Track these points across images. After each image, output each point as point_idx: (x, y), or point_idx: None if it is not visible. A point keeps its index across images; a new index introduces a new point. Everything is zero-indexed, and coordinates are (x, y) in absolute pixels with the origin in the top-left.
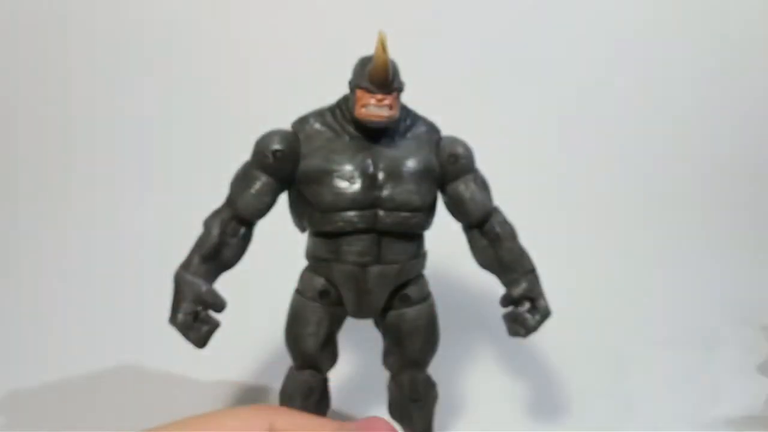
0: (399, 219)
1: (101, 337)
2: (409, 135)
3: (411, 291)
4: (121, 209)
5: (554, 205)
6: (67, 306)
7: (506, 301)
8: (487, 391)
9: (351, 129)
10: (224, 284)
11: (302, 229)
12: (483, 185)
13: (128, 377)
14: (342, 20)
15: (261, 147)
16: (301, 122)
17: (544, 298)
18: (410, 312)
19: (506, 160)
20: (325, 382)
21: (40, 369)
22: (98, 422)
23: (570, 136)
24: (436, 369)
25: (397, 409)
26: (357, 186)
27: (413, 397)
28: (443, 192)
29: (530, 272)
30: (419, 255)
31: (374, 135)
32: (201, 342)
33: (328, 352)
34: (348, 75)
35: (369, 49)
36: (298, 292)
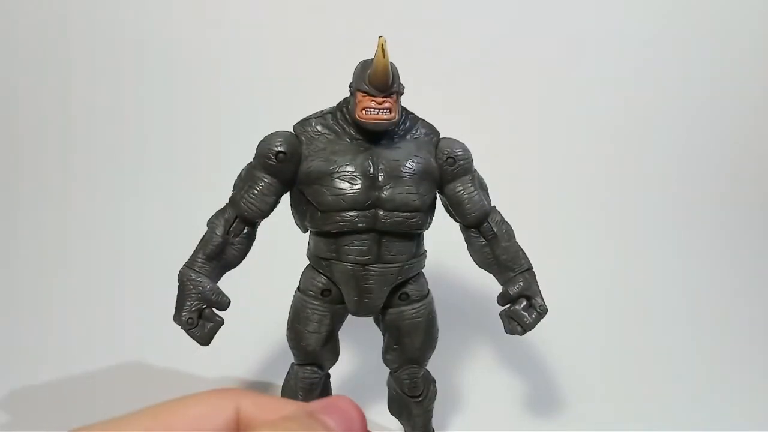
0: (399, 219)
1: (103, 336)
2: (408, 137)
3: (410, 289)
4: (124, 208)
5: (554, 204)
6: (69, 305)
7: (503, 299)
8: (485, 388)
9: (352, 131)
10: (228, 283)
11: (304, 230)
12: (481, 186)
13: (130, 375)
14: (343, 23)
15: (264, 148)
16: (303, 124)
17: (540, 297)
18: (410, 310)
19: (505, 161)
20: (326, 378)
21: (40, 369)
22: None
23: (571, 135)
24: (435, 366)
25: (396, 406)
26: (357, 187)
27: (412, 394)
28: (442, 193)
29: (527, 271)
30: (419, 254)
31: (374, 137)
32: (205, 340)
33: (330, 349)
34: (348, 78)
35: (369, 53)
36: (300, 290)
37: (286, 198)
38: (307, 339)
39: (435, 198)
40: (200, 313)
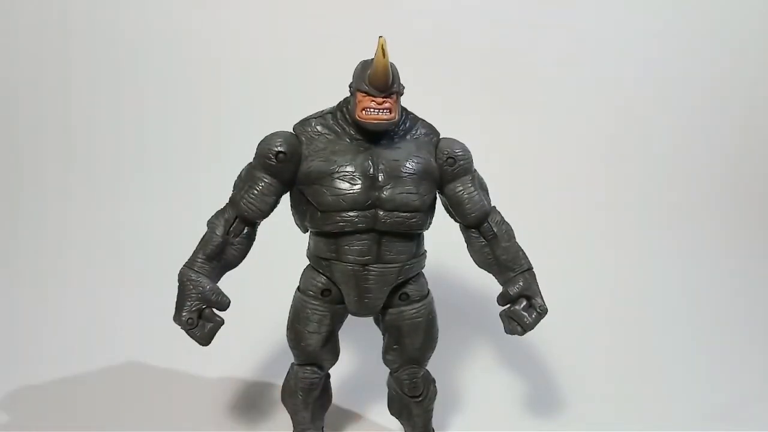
0: (398, 219)
1: (103, 336)
2: (408, 137)
3: (410, 289)
4: (124, 208)
5: (554, 204)
6: (69, 305)
7: (503, 299)
8: (485, 388)
9: (352, 131)
10: (228, 283)
11: (304, 230)
12: (481, 186)
13: (130, 375)
14: (343, 23)
15: (264, 149)
16: (303, 124)
17: (540, 297)
18: (410, 310)
19: (505, 161)
20: (326, 378)
21: (40, 369)
22: (98, 422)
23: (571, 135)
24: (435, 366)
25: (396, 406)
26: (357, 187)
27: (412, 394)
28: (442, 193)
29: (527, 271)
30: (419, 254)
31: (374, 137)
32: (205, 340)
33: (330, 349)
34: (348, 78)
35: (369, 53)
36: (300, 290)
37: (286, 198)
38: (307, 339)
39: (435, 198)
40: (200, 313)
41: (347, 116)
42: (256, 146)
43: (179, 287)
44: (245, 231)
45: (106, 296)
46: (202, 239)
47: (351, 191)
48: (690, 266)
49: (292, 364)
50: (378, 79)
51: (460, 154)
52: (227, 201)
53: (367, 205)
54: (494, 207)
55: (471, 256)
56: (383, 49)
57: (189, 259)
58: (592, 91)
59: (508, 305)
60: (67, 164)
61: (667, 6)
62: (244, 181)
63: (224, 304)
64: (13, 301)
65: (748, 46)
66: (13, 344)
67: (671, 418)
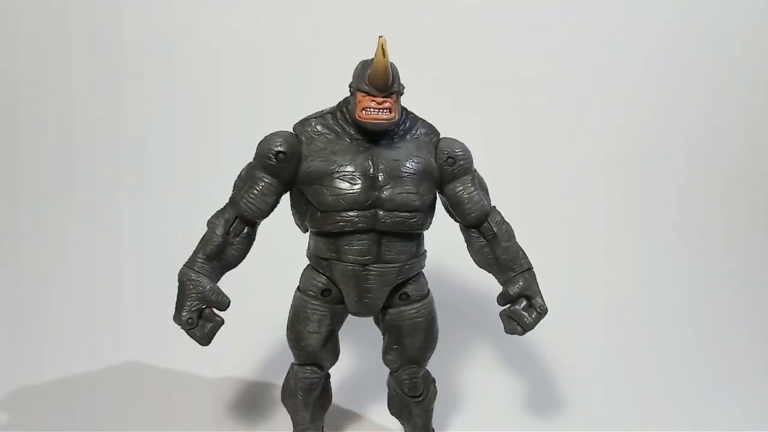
0: (398, 219)
1: (103, 336)
2: (408, 137)
3: (410, 289)
4: (124, 208)
5: (554, 204)
6: (69, 305)
7: (503, 299)
8: (485, 388)
9: (352, 131)
10: (228, 283)
11: (304, 230)
12: (481, 186)
13: (130, 375)
14: (343, 23)
15: (264, 149)
16: (303, 124)
17: (540, 297)
18: (410, 310)
19: (505, 161)
20: (326, 378)
21: (40, 369)
22: (98, 422)
23: (571, 135)
24: (435, 366)
25: (396, 406)
26: (357, 187)
27: (412, 394)
28: (442, 193)
29: (527, 271)
30: (419, 254)
31: (374, 137)
32: (205, 340)
33: (330, 349)
34: (349, 78)
35: (369, 53)
36: (300, 290)
37: (286, 198)
38: (307, 339)
39: (435, 198)
40: (200, 313)
41: (347, 116)
42: (256, 146)
43: (179, 287)
44: (245, 231)
45: (106, 296)
46: (202, 239)
47: (351, 191)
48: (690, 266)
49: (292, 364)
50: (378, 79)
51: (460, 153)
52: (227, 201)
53: (367, 205)
54: (494, 207)
55: (471, 256)
56: (383, 49)
57: (189, 259)
58: (593, 91)
59: (508, 305)
60: (66, 164)
61: (667, 6)
62: (244, 180)
63: (224, 304)
64: (13, 301)
65: (749, 45)
66: (13, 344)
67: (671, 418)
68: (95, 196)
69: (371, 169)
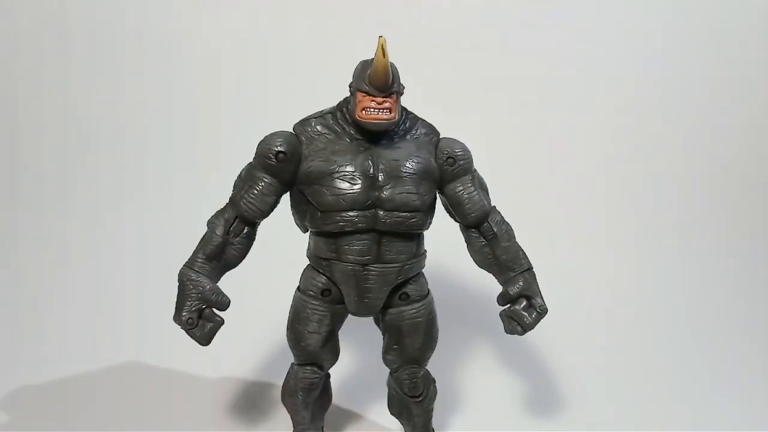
0: (398, 219)
1: (103, 336)
2: (408, 137)
3: (410, 289)
4: (124, 208)
5: (554, 204)
6: (69, 305)
7: (503, 299)
8: (485, 388)
9: (352, 131)
10: (228, 283)
11: (304, 230)
12: (481, 186)
13: (130, 375)
14: (343, 23)
15: (264, 148)
16: (303, 124)
17: (540, 297)
18: (410, 310)
19: (505, 161)
20: (326, 378)
21: (40, 369)
22: (98, 422)
23: (571, 135)
24: (435, 366)
25: (396, 406)
26: (357, 187)
27: (412, 394)
28: (442, 193)
29: (527, 271)
30: (419, 254)
31: (374, 137)
32: (205, 340)
33: (330, 349)
34: (349, 78)
35: (369, 53)
36: (300, 290)
37: (286, 198)
38: (307, 339)
39: (435, 198)
40: (200, 313)
41: (347, 116)
42: (256, 146)
43: (179, 287)
44: (245, 231)
45: (106, 296)
46: (202, 239)
47: (351, 191)
48: (690, 266)
49: (292, 364)
50: (378, 79)
51: (460, 153)
52: (227, 201)
53: (367, 204)
54: (494, 207)
55: (471, 256)
56: (383, 49)
57: (189, 259)
58: (593, 91)
59: (508, 305)
60: (67, 164)
61: (667, 6)
62: (244, 180)
63: (224, 304)
64: (13, 301)
65: (749, 45)
66: (13, 344)
67: (671, 418)
68: (95, 196)
69: (371, 169)
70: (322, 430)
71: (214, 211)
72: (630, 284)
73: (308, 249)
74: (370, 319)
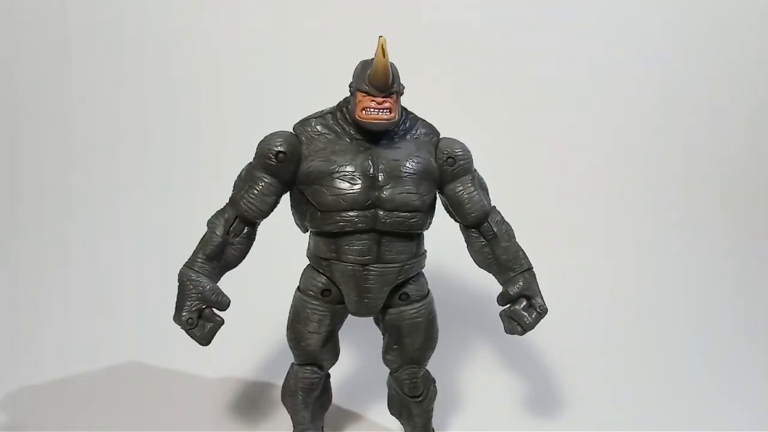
0: (398, 219)
1: (103, 336)
2: (408, 137)
3: (410, 289)
4: (124, 208)
5: (554, 204)
6: (69, 305)
7: (503, 299)
8: (485, 388)
9: (352, 131)
10: (228, 283)
11: (304, 230)
12: (481, 186)
13: (130, 375)
14: (343, 23)
15: (264, 149)
16: (303, 124)
17: (540, 297)
18: (410, 310)
19: (505, 161)
20: (326, 378)
21: (40, 369)
22: (98, 422)
23: (572, 135)
24: (435, 366)
25: (396, 406)
26: (357, 187)
27: (412, 394)
28: (442, 193)
29: (527, 271)
30: (419, 254)
31: (374, 137)
32: (205, 340)
33: (330, 349)
34: (348, 78)
35: (369, 53)
36: (300, 290)
37: (286, 198)
38: (307, 339)
39: (435, 198)
40: (200, 313)
41: (347, 116)
42: (256, 146)
43: (179, 287)
44: (245, 231)
45: (107, 296)
46: (202, 239)
47: (351, 191)
48: (690, 266)
49: (292, 364)
50: (378, 79)
51: (460, 153)
52: (227, 201)
53: (367, 204)
54: (494, 207)
55: (471, 256)
56: (383, 49)
57: (189, 259)
58: (593, 91)
59: (508, 305)
60: (66, 163)
61: (667, 6)
62: (244, 180)
63: (224, 304)
64: (13, 301)
65: (749, 45)
66: (13, 344)
67: (671, 418)
68: (95, 196)
69: (371, 169)
70: (322, 430)
71: (214, 211)
72: (630, 284)
73: (308, 249)
74: (370, 319)
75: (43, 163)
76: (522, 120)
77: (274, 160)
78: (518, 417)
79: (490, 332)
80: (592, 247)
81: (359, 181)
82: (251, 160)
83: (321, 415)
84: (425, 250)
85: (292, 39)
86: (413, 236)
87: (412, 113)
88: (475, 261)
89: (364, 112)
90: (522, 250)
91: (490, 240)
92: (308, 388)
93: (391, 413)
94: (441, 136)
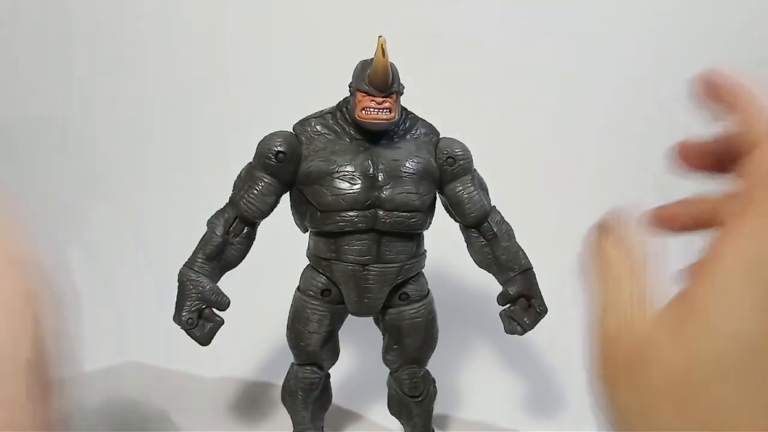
0: (398, 219)
1: (103, 336)
2: (408, 136)
3: (410, 289)
4: (124, 208)
5: (555, 204)
6: (68, 304)
7: (503, 299)
8: (485, 388)
9: (351, 131)
10: (228, 283)
11: (304, 230)
12: (481, 186)
13: (130, 375)
14: (343, 23)
15: (263, 149)
16: (303, 124)
17: (540, 296)
18: (410, 310)
19: (505, 161)
20: (326, 378)
21: None
22: (98, 422)
23: (572, 136)
24: (435, 366)
25: (396, 406)
26: (357, 187)
27: (412, 394)
28: (442, 193)
29: (527, 271)
30: (419, 254)
31: (374, 137)
32: (205, 340)
33: (330, 349)
34: (348, 78)
35: (369, 53)
36: (300, 290)
37: (286, 198)
38: (307, 339)
39: (435, 198)
40: (200, 313)
41: (347, 116)
42: (256, 146)
43: (179, 287)
44: (245, 231)
45: (107, 296)
46: (202, 239)
47: (351, 191)
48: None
49: (292, 364)
50: (378, 79)
51: (460, 153)
52: (227, 201)
53: (367, 204)
54: (494, 207)
55: (471, 256)
56: (383, 49)
57: (189, 259)
58: (593, 91)
59: (508, 305)
60: (65, 163)
61: (666, 6)
62: (244, 181)
63: (224, 303)
64: None
65: (749, 45)
66: None
67: None
68: (94, 196)
69: (371, 169)
70: (322, 430)
71: (214, 211)
72: None
73: (308, 249)
74: (370, 319)
75: (43, 163)
76: (522, 120)
77: (274, 160)
78: (518, 417)
79: (490, 332)
80: None
81: (359, 181)
82: (251, 160)
83: (321, 415)
84: (425, 250)
85: (292, 39)
86: (413, 236)
87: (412, 113)
88: (475, 261)
89: (363, 112)
90: (522, 250)
91: (490, 240)
92: (308, 388)
93: (391, 413)
94: (441, 136)
